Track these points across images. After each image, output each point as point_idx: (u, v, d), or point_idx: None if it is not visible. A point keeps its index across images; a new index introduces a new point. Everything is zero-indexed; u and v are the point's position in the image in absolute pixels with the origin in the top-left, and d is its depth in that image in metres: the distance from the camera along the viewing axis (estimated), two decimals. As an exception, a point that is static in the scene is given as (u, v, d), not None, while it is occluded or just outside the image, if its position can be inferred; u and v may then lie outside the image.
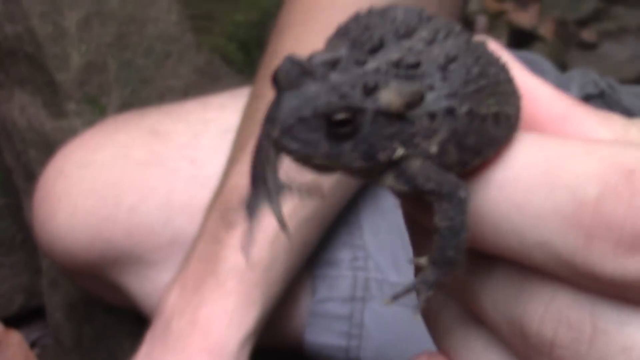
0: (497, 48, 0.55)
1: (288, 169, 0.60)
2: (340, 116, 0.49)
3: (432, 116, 0.50)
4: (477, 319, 0.54)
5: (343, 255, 1.49)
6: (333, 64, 0.51)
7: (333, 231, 1.46)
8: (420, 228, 0.56)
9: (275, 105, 0.49)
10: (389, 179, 0.52)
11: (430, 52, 0.52)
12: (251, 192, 0.61)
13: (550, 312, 0.48)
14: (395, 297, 0.53)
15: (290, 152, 0.50)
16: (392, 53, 0.51)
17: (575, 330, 0.47)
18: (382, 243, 1.50)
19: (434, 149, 0.51)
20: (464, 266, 0.52)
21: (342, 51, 0.52)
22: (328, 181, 1.32)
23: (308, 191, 0.61)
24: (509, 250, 0.50)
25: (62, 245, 1.42)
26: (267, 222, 1.23)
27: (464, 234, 0.50)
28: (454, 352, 0.55)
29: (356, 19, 0.55)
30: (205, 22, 2.38)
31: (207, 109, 1.54)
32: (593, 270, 0.46)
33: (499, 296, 0.51)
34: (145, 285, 1.42)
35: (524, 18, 3.28)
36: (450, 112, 0.50)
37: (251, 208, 0.61)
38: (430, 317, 0.58)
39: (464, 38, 0.54)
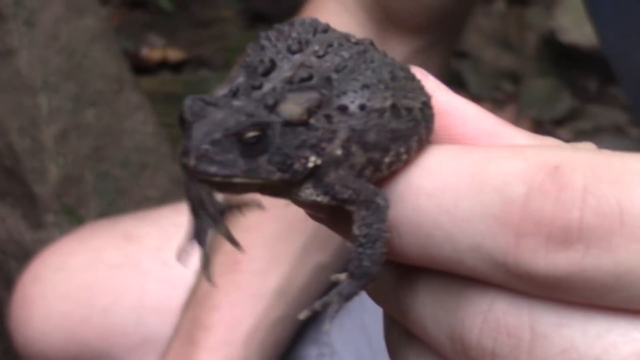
0: (420, 73, 0.56)
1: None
2: (251, 133, 0.49)
3: (328, 117, 0.51)
4: (421, 343, 0.54)
5: (310, 351, 1.48)
6: (233, 94, 0.52)
7: (300, 327, 1.45)
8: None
9: (186, 138, 0.49)
10: (310, 192, 0.53)
11: (322, 65, 0.53)
12: (194, 223, 0.61)
13: (489, 321, 0.48)
14: (313, 311, 0.52)
15: (210, 176, 0.50)
16: (284, 72, 0.53)
17: (515, 337, 0.46)
18: (348, 340, 1.48)
19: (338, 151, 0.52)
20: (379, 278, 0.51)
21: (239, 80, 0.53)
22: (300, 280, 1.33)
23: (247, 205, 0.62)
24: (442, 258, 0.49)
25: (38, 348, 1.42)
26: (239, 322, 1.26)
27: (381, 243, 0.50)
28: None
29: (255, 41, 0.56)
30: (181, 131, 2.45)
31: (179, 214, 1.52)
32: (526, 269, 0.45)
33: (438, 312, 0.51)
34: None
35: (502, 117, 3.39)
36: (343, 109, 0.52)
37: (199, 236, 0.61)
38: (388, 347, 0.58)
39: (358, 48, 0.55)
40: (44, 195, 2.20)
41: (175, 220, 1.51)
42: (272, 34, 0.56)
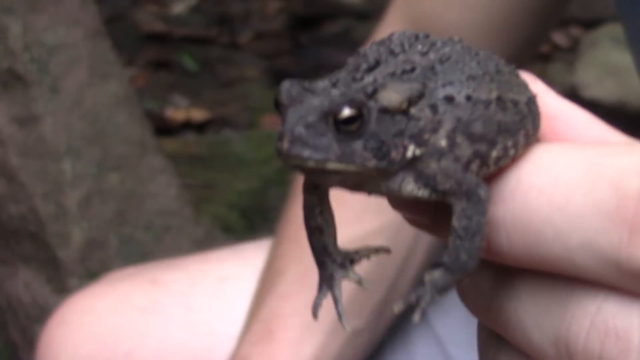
0: (529, 76, 0.56)
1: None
2: (347, 112, 0.49)
3: (433, 108, 0.51)
4: (522, 355, 0.52)
5: None
6: (333, 84, 0.52)
7: None
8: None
9: (282, 123, 0.50)
10: (410, 185, 0.52)
11: (425, 59, 0.53)
12: (322, 273, 0.61)
13: (597, 324, 0.47)
14: (407, 302, 0.51)
15: (304, 161, 0.49)
16: (387, 68, 0.52)
17: (624, 340, 0.46)
18: None
19: (443, 142, 0.51)
20: (475, 280, 0.51)
21: (340, 74, 0.53)
22: (335, 347, 1.32)
23: (374, 250, 0.61)
24: (551, 258, 0.48)
25: None
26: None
27: (480, 237, 0.49)
28: None
29: (357, 52, 0.56)
30: (205, 192, 2.46)
31: (205, 261, 1.57)
32: (639, 266, 0.44)
33: (543, 317, 0.49)
34: None
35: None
36: (449, 100, 0.51)
37: (330, 285, 0.61)
38: (480, 350, 0.57)
39: (461, 44, 0.55)
40: (68, 259, 2.21)
41: (202, 266, 1.53)
42: (373, 44, 0.56)
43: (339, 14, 4.18)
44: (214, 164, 2.88)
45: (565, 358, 0.48)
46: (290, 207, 1.44)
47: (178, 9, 4.36)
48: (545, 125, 0.54)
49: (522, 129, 0.52)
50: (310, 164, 0.49)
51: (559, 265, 0.48)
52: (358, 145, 0.50)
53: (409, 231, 1.35)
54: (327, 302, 1.31)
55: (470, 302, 0.55)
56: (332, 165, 0.49)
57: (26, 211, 2.22)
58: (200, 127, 3.45)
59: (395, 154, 0.50)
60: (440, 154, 0.51)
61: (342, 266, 0.60)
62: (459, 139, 0.51)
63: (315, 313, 0.61)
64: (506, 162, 0.51)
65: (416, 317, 0.50)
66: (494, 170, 0.51)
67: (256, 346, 1.28)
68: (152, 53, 3.92)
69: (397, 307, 0.50)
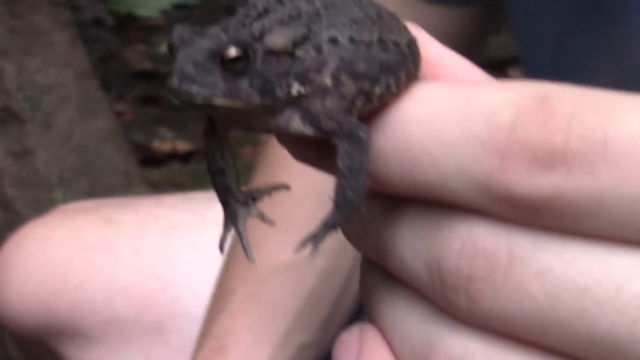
0: (413, 26, 0.55)
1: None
2: (232, 52, 0.48)
3: (317, 49, 0.50)
4: (399, 282, 0.51)
5: None
6: (223, 30, 0.50)
7: None
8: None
9: (173, 63, 0.48)
10: (296, 123, 0.50)
11: (311, 6, 0.52)
12: (226, 211, 0.59)
13: (467, 246, 0.45)
14: (302, 244, 0.49)
15: (192, 96, 0.48)
16: (275, 15, 0.51)
17: (491, 261, 0.44)
18: None
19: (327, 80, 0.50)
20: (363, 210, 0.49)
21: (232, 21, 0.51)
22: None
23: (275, 188, 0.60)
24: (426, 184, 0.47)
25: (12, 311, 1.41)
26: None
27: (364, 175, 0.48)
28: (382, 319, 0.52)
29: (247, 2, 0.54)
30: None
31: (157, 205, 1.55)
32: (508, 191, 0.43)
33: (417, 240, 0.48)
34: (83, 357, 1.42)
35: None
36: (333, 41, 0.50)
37: (234, 222, 0.59)
38: (363, 293, 0.55)
39: None
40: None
41: (154, 211, 1.51)
42: None
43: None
44: (197, 191, 2.86)
45: (436, 280, 0.47)
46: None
47: (165, 48, 4.33)
48: (427, 70, 0.53)
49: (403, 67, 0.51)
50: (199, 99, 0.48)
51: (433, 191, 0.47)
52: (244, 83, 0.49)
53: (350, 252, 1.34)
54: (271, 316, 1.30)
55: (352, 234, 0.54)
56: (219, 101, 0.48)
57: None
58: (184, 158, 3.42)
59: (279, 92, 0.49)
60: (324, 92, 0.50)
61: (245, 204, 0.58)
62: (343, 77, 0.50)
63: (221, 248, 0.59)
64: (389, 98, 0.50)
65: (311, 253, 0.49)
66: (378, 106, 0.50)
67: None
68: (140, 89, 3.89)
69: (295, 249, 0.50)
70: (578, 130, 0.42)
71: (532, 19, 1.35)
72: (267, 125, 0.51)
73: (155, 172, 3.03)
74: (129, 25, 4.58)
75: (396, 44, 0.52)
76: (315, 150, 0.52)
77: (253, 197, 0.58)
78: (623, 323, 0.42)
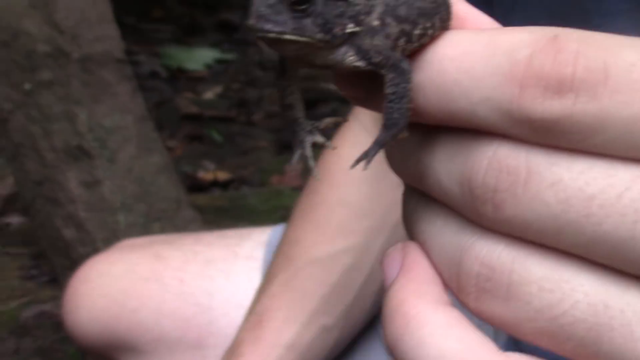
0: None
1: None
2: None
3: None
4: (435, 202, 0.52)
5: None
6: None
7: None
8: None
9: (251, 5, 0.49)
10: (351, 57, 0.51)
11: None
12: (296, 139, 0.60)
13: (493, 163, 0.46)
14: (358, 160, 0.51)
15: (266, 32, 0.49)
16: None
17: (513, 175, 0.45)
18: None
19: (375, 22, 0.51)
20: (410, 140, 0.51)
21: None
22: (307, 338, 1.30)
23: (333, 120, 0.61)
24: (459, 112, 0.47)
25: (82, 332, 1.43)
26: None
27: (407, 99, 0.48)
28: (422, 235, 0.52)
29: None
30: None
31: (197, 242, 1.54)
32: (527, 114, 0.44)
33: (451, 163, 0.48)
34: None
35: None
36: None
37: (302, 147, 0.60)
38: (405, 216, 0.56)
39: None
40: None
41: (194, 247, 1.51)
42: None
43: (329, 98, 4.13)
44: (234, 213, 2.86)
45: (467, 194, 0.47)
46: (290, 228, 1.42)
47: (208, 95, 4.36)
48: (457, 23, 0.53)
49: (437, 14, 0.51)
50: (271, 35, 0.49)
51: (464, 118, 0.47)
52: (308, 22, 0.49)
53: (372, 253, 1.33)
54: (301, 300, 1.27)
55: (395, 163, 0.54)
56: (288, 36, 0.49)
57: (91, 252, 2.19)
58: (224, 185, 3.43)
59: (337, 30, 0.50)
60: (373, 31, 0.51)
61: (310, 132, 0.59)
62: (388, 19, 0.51)
63: (293, 163, 0.61)
64: (426, 40, 0.50)
65: (365, 167, 0.51)
66: (417, 46, 0.50)
67: (249, 332, 1.27)
68: (188, 129, 3.92)
69: (351, 166, 0.51)
70: (583, 62, 0.43)
71: (508, 20, 1.29)
72: (326, 61, 0.52)
73: (200, 198, 3.03)
74: (179, 77, 4.62)
75: None
76: (364, 90, 0.53)
77: (317, 127, 0.59)
78: (624, 224, 0.42)
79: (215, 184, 3.42)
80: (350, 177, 1.30)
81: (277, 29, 0.49)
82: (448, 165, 0.48)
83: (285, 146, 3.82)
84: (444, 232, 0.50)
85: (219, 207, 2.90)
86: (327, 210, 1.35)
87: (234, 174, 3.49)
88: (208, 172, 3.49)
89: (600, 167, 0.43)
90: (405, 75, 0.48)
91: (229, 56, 4.90)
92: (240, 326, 1.30)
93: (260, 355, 1.25)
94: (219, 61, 4.83)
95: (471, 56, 0.47)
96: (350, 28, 0.50)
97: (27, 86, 2.29)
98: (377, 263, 1.33)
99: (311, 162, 0.60)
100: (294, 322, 1.28)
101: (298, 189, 3.07)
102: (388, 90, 0.49)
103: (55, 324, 2.21)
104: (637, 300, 0.43)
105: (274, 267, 1.36)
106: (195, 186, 3.34)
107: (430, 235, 0.51)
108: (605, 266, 0.44)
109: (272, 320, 1.27)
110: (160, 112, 3.97)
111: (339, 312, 1.31)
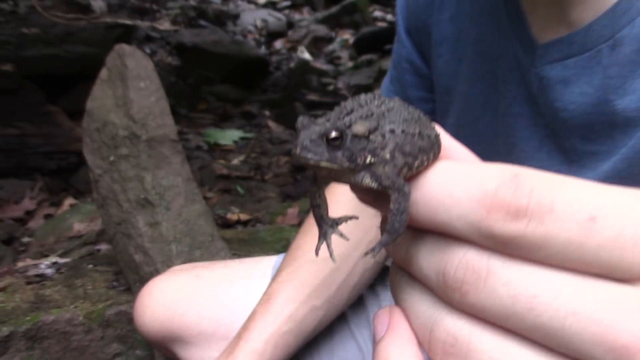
0: (436, 124, 0.52)
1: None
2: (333, 134, 0.46)
3: (382, 135, 0.48)
4: (416, 281, 0.48)
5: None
6: (327, 120, 0.48)
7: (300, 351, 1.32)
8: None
9: (296, 138, 0.46)
10: (367, 179, 0.48)
11: (379, 109, 0.49)
12: (320, 230, 0.56)
13: (463, 262, 0.42)
14: (370, 251, 0.48)
15: (307, 160, 0.46)
16: (358, 113, 0.49)
17: (477, 273, 0.41)
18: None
19: (387, 155, 0.47)
20: (403, 236, 0.47)
21: (332, 115, 0.49)
22: (301, 313, 1.24)
23: (347, 217, 0.56)
24: (441, 223, 0.44)
25: (146, 329, 1.38)
26: (264, 329, 1.22)
27: (405, 214, 0.45)
28: (404, 303, 0.48)
29: (339, 104, 0.51)
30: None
31: (226, 266, 1.50)
32: (491, 231, 0.41)
33: (431, 257, 0.45)
34: (185, 354, 1.39)
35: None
36: (392, 131, 0.48)
37: (325, 237, 0.56)
38: (392, 285, 0.52)
39: (400, 101, 0.51)
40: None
41: (224, 270, 1.46)
42: (349, 98, 0.51)
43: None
44: (251, 244, 2.77)
45: (442, 282, 0.43)
46: (296, 238, 1.36)
47: (235, 162, 4.33)
48: (443, 153, 0.50)
49: (431, 150, 0.48)
50: (311, 162, 0.46)
51: (444, 227, 0.44)
52: (339, 153, 0.46)
53: (351, 260, 1.29)
54: (300, 286, 1.23)
55: (390, 249, 0.50)
56: (324, 164, 0.46)
57: (153, 271, 2.21)
58: (245, 223, 3.38)
59: (359, 160, 0.47)
60: (385, 162, 0.47)
61: (332, 226, 0.56)
62: (397, 154, 0.47)
63: (316, 253, 0.56)
64: (422, 168, 0.47)
65: (373, 257, 0.47)
66: (415, 173, 0.47)
67: (261, 306, 1.24)
68: (221, 185, 3.89)
69: (366, 256, 0.49)
70: (535, 196, 0.40)
71: (448, 96, 1.25)
72: (348, 180, 0.49)
73: (228, 233, 2.98)
74: (215, 149, 4.60)
75: (429, 136, 0.49)
76: (373, 197, 0.50)
77: (336, 222, 0.56)
78: (556, 317, 0.39)
79: (238, 222, 3.38)
80: (340, 208, 1.23)
81: (316, 157, 0.46)
82: (429, 257, 0.45)
83: (287, 196, 3.74)
84: (421, 304, 0.47)
85: (241, 239, 2.87)
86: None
87: (252, 215, 3.45)
88: (234, 214, 3.45)
89: (542, 274, 0.40)
90: (406, 196, 0.45)
91: (249, 135, 4.90)
92: (256, 304, 1.27)
93: (268, 321, 1.22)
94: (242, 138, 4.82)
95: (453, 184, 0.44)
96: (369, 159, 0.47)
97: (111, 158, 2.30)
98: (354, 267, 1.31)
99: (331, 250, 0.56)
100: (293, 301, 1.24)
101: (296, 226, 3.09)
102: (392, 206, 0.46)
103: (129, 319, 2.19)
104: None
105: (283, 263, 1.32)
106: (225, 224, 3.31)
107: (410, 304, 0.48)
108: (541, 344, 0.41)
109: (277, 299, 1.24)
110: (202, 174, 3.94)
111: (325, 298, 1.28)
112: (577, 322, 0.38)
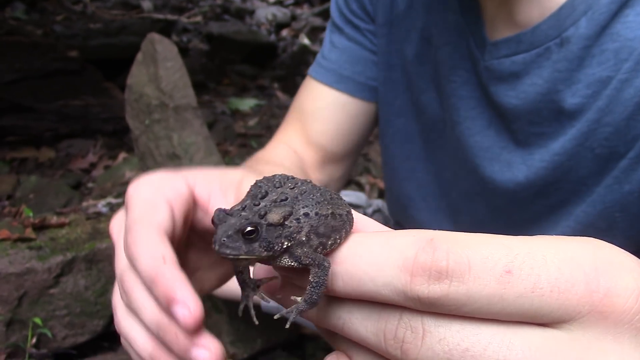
0: (345, 199, 0.46)
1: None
2: (248, 229, 0.40)
3: (297, 220, 0.41)
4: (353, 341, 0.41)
5: None
6: (242, 208, 0.41)
7: None
8: (294, 285, 0.45)
9: (215, 233, 0.40)
10: (287, 260, 0.42)
11: (292, 191, 0.43)
12: (242, 291, 0.49)
13: (401, 324, 0.37)
14: (281, 315, 0.41)
15: (227, 255, 0.40)
16: (272, 196, 0.42)
17: (415, 332, 0.37)
18: None
19: (303, 238, 0.41)
20: (333, 307, 0.41)
21: (246, 201, 0.42)
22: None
23: (267, 280, 0.48)
24: (368, 292, 0.38)
25: None
26: None
27: (324, 287, 0.39)
28: (345, 350, 0.42)
29: (255, 184, 0.45)
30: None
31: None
32: (417, 294, 0.36)
33: (368, 321, 0.39)
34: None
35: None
36: (306, 215, 0.41)
37: (247, 298, 0.49)
38: (332, 341, 0.44)
39: (312, 183, 0.44)
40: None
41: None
42: (263, 180, 0.45)
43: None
44: None
45: (382, 342, 0.38)
46: (261, 150, 1.17)
47: (251, 123, 4.16)
48: (356, 227, 0.44)
49: (344, 228, 0.42)
50: (231, 257, 0.40)
51: (374, 296, 0.38)
52: (256, 245, 0.40)
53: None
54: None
55: (314, 317, 0.42)
56: (242, 256, 0.40)
57: None
58: None
59: (277, 247, 0.41)
60: (302, 244, 0.41)
61: (253, 289, 0.49)
62: (312, 236, 0.41)
63: (240, 313, 0.48)
64: (335, 246, 0.41)
65: (287, 325, 0.41)
66: (329, 250, 0.41)
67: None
68: (239, 141, 3.75)
69: (276, 316, 0.41)
70: (453, 257, 0.35)
71: (389, 72, 1.11)
72: (269, 263, 0.42)
73: None
74: (236, 113, 4.40)
75: (340, 215, 0.42)
76: (295, 273, 0.43)
77: (258, 285, 0.49)
78: None
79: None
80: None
81: (234, 252, 0.40)
82: (365, 323, 0.39)
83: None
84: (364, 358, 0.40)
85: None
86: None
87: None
88: (248, 163, 3.37)
89: (470, 328, 0.36)
90: (325, 270, 0.39)
91: (262, 102, 4.75)
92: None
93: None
94: (257, 105, 4.67)
95: (374, 254, 0.38)
96: (286, 244, 0.41)
97: (147, 122, 2.20)
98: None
99: (252, 312, 0.49)
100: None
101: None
102: (311, 279, 0.39)
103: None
104: None
105: (250, 159, 1.13)
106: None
107: (353, 355, 0.41)
108: None
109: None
110: (226, 132, 3.79)
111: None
112: None
